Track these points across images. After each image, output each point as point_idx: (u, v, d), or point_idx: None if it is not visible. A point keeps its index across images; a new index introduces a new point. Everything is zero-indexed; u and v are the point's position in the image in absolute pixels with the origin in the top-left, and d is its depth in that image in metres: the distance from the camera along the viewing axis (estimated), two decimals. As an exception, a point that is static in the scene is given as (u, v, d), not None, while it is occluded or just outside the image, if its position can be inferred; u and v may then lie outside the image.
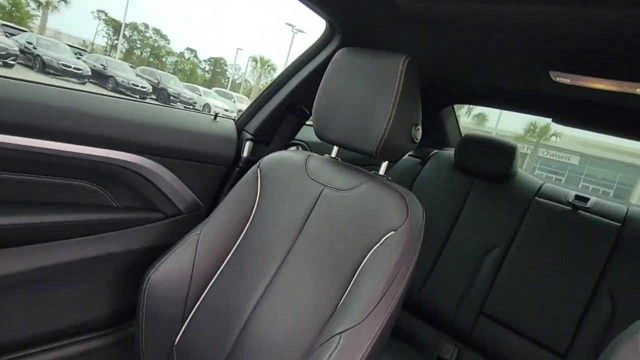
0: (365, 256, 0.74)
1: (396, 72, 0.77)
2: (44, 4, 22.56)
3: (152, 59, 37.25)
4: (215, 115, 1.14)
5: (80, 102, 0.88)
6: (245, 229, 0.88)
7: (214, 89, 20.39)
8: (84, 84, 12.34)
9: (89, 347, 0.99)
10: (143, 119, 0.99)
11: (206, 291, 0.86)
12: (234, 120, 1.22)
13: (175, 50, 39.76)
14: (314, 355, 0.67)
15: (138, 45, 36.75)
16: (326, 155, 0.95)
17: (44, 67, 12.09)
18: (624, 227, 1.25)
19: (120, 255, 0.98)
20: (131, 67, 16.17)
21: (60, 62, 12.11)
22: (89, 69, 12.89)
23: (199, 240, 0.88)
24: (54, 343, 0.93)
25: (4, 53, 10.55)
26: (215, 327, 0.82)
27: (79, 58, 13.74)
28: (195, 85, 18.06)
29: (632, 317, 0.98)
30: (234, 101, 19.24)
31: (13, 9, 22.53)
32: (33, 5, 23.36)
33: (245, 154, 1.17)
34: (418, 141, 0.88)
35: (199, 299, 0.86)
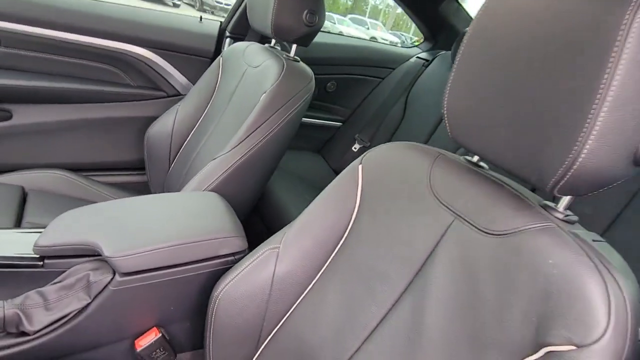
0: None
1: None
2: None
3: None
4: (200, 18, 1.48)
5: (106, 9, 1.33)
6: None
7: (349, 16, 20.22)
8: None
9: (120, 180, 1.53)
10: (149, 20, 1.40)
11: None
12: (220, 22, 1.53)
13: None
14: None
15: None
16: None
17: (202, 5, 14.06)
18: None
19: (134, 119, 1.46)
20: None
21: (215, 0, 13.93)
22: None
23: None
24: (100, 171, 1.50)
25: (172, -6, 12.74)
26: None
27: (228, -6, 15.42)
28: (330, 13, 18.24)
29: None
30: (368, 28, 18.84)
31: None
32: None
33: (225, 48, 1.49)
34: (313, 25, 1.07)
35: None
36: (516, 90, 0.47)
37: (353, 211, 0.66)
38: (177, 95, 1.50)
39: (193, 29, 1.46)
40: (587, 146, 0.40)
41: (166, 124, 1.29)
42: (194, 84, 1.50)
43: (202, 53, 1.48)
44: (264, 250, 0.70)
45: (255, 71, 1.12)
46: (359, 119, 1.87)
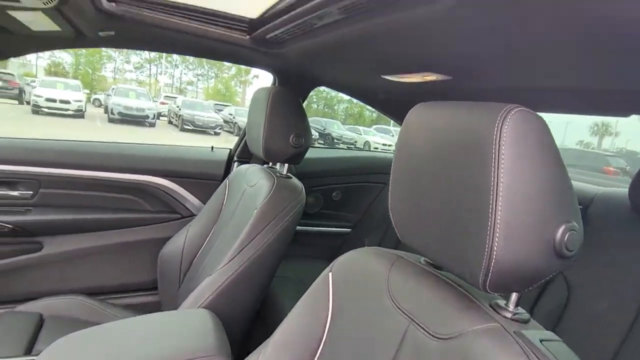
0: None
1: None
2: (243, 81, 29.13)
3: (326, 110, 42.43)
4: (212, 147, 1.69)
5: (129, 148, 1.55)
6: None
7: (374, 126, 21.86)
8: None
9: (135, 301, 1.59)
10: (167, 154, 1.61)
11: None
12: (230, 150, 1.73)
13: (344, 97, 44.17)
14: None
15: (314, 100, 42.55)
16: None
17: (240, 130, 15.75)
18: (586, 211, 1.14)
19: (150, 241, 1.58)
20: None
21: (250, 125, 15.63)
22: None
23: (187, 232, 1.37)
24: (117, 294, 1.58)
25: (213, 125, 14.45)
26: None
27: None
28: (356, 127, 19.86)
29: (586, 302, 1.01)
30: (393, 135, 20.10)
31: (225, 91, 29.87)
32: (238, 84, 30.50)
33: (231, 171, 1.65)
34: (299, 147, 1.20)
35: None
36: (438, 192, 0.51)
37: (327, 320, 0.67)
38: (190, 216, 1.63)
39: (205, 157, 1.66)
40: (496, 242, 0.42)
41: (178, 244, 1.39)
42: (204, 204, 1.64)
43: (213, 177, 1.64)
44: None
45: (251, 190, 1.23)
46: (367, 223, 1.91)
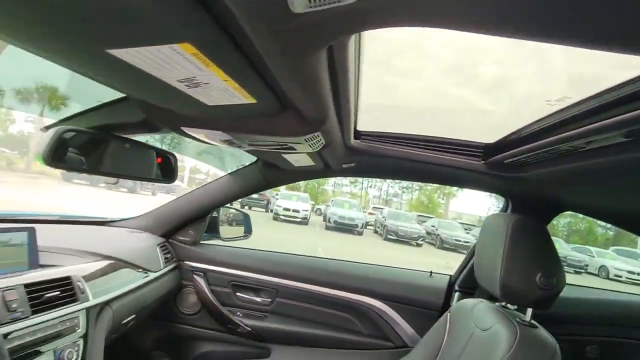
0: None
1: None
2: (446, 194, 28.96)
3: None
4: (430, 273, 1.57)
5: (352, 268, 1.62)
6: None
7: (612, 248, 17.27)
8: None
9: None
10: (385, 276, 1.59)
11: None
12: (450, 276, 1.57)
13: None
14: None
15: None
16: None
17: (442, 243, 15.16)
18: None
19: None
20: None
21: (453, 238, 14.87)
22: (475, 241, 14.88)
23: None
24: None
25: (416, 236, 14.51)
26: None
27: (467, 232, 16.28)
28: (586, 247, 16.15)
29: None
30: (643, 260, 15.32)
31: (428, 202, 30.26)
32: (441, 196, 30.56)
33: (454, 302, 1.47)
34: (549, 289, 0.98)
35: None
36: None
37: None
38: (403, 347, 1.49)
39: (423, 283, 1.55)
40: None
41: None
42: (420, 336, 1.48)
43: (431, 306, 1.50)
44: None
45: (483, 335, 1.02)
46: None
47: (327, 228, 14.38)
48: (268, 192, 16.97)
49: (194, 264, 1.57)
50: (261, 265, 1.59)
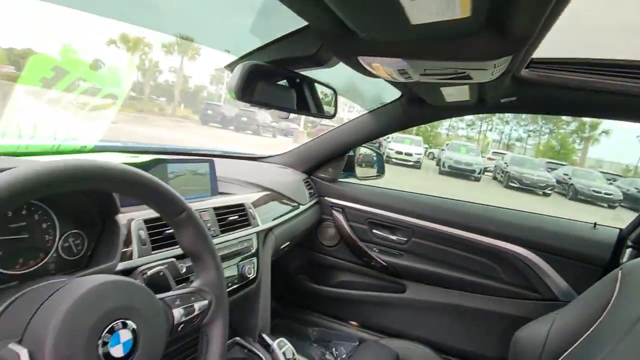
0: None
1: None
2: (586, 138, 24.78)
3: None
4: (595, 224, 1.37)
5: (490, 211, 1.52)
6: (597, 323, 0.90)
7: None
8: (614, 207, 12.31)
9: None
10: (539, 224, 1.46)
11: None
12: (620, 230, 1.35)
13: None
14: None
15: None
16: None
17: (576, 194, 13.30)
18: None
19: (501, 316, 1.44)
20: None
21: (591, 189, 12.89)
22: (620, 194, 12.71)
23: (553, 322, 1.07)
24: (456, 357, 1.52)
25: (543, 185, 13.00)
26: None
27: (611, 184, 13.92)
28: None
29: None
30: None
31: (560, 148, 26.43)
32: (578, 141, 26.28)
33: (624, 259, 1.27)
34: None
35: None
36: None
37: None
38: (552, 300, 1.38)
39: (585, 235, 1.37)
40: None
41: (539, 332, 1.18)
42: (576, 292, 1.34)
43: (593, 261, 1.33)
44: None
45: None
46: None
47: (441, 173, 13.81)
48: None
49: (333, 200, 1.64)
50: (397, 204, 1.59)
